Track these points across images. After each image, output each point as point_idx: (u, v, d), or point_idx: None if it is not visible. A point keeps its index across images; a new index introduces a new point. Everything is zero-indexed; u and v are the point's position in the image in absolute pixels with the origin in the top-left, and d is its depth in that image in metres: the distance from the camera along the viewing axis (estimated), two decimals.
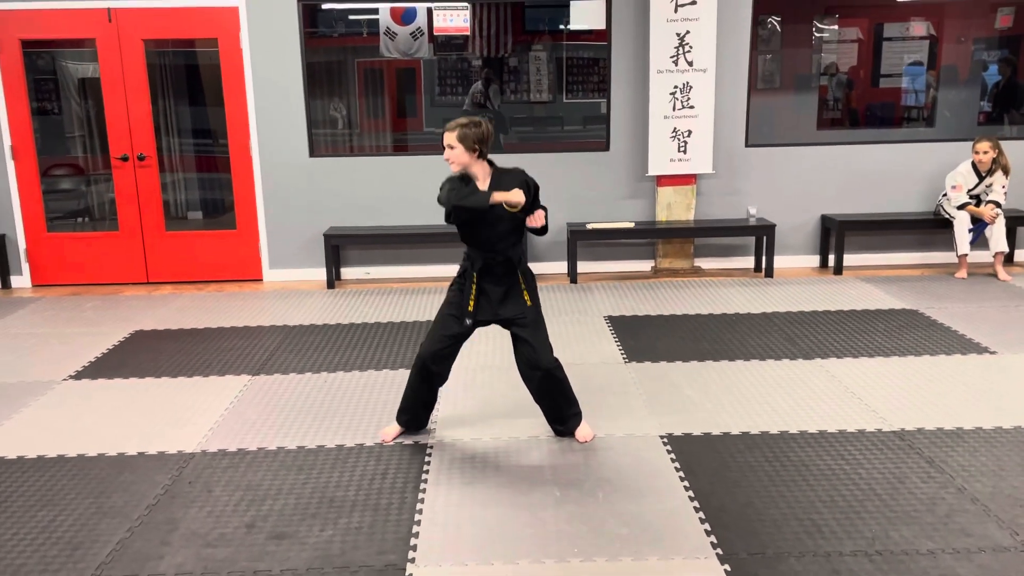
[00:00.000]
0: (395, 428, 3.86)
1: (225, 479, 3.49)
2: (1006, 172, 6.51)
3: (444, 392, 4.25)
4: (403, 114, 7.72)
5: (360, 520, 3.13)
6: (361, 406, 4.21)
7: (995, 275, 6.52)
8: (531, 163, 7.17)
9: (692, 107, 6.77)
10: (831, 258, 7.06)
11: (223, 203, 7.21)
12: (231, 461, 3.66)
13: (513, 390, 4.18)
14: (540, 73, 8.31)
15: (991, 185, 6.53)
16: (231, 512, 3.23)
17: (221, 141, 7.00)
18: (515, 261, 3.61)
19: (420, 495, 3.31)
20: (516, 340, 3.67)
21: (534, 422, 3.92)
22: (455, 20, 6.83)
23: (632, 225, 6.80)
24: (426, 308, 6.06)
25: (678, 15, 6.63)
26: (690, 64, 6.70)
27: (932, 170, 7.02)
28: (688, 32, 6.65)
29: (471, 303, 3.62)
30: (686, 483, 3.33)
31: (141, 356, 5.11)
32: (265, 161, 6.91)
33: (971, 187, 6.56)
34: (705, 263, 7.15)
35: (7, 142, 6.80)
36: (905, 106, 7.89)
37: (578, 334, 5.35)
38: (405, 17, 7.39)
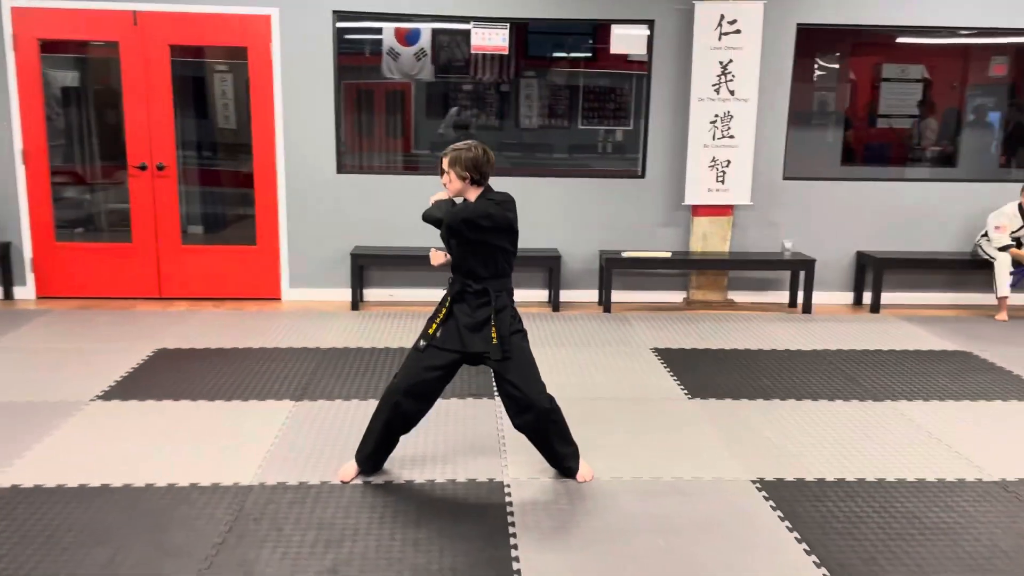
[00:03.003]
0: (353, 467, 3.57)
1: (293, 516, 3.21)
2: None
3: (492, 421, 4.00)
4: (423, 133, 7.57)
5: (453, 564, 2.87)
6: (420, 437, 3.94)
7: None
8: (564, 189, 7.08)
9: (732, 136, 6.64)
10: (865, 295, 6.95)
11: (243, 218, 6.91)
12: (295, 495, 3.38)
13: (578, 424, 3.94)
14: (556, 98, 8.23)
15: None
16: (308, 554, 2.95)
17: (245, 153, 6.72)
18: (491, 293, 3.36)
19: (511, 539, 3.05)
20: (498, 380, 3.42)
21: (610, 459, 3.69)
22: (493, 39, 6.65)
23: (669, 255, 6.63)
24: None
25: (722, 43, 6.51)
26: (732, 93, 6.58)
27: (964, 210, 6.95)
28: (731, 61, 6.53)
29: (434, 325, 3.41)
30: (796, 534, 3.12)
31: (170, 376, 4.80)
32: (291, 176, 6.64)
33: (1015, 229, 6.49)
34: (738, 296, 7.00)
35: (18, 145, 6.46)
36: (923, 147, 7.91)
37: (629, 367, 5.14)
38: (409, 38, 7.21)
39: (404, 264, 6.70)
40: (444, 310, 3.46)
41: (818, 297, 6.93)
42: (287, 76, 6.49)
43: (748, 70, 6.55)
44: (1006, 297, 6.48)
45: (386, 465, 3.62)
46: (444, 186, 3.44)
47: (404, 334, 5.79)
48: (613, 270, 6.59)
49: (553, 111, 9.48)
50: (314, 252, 6.75)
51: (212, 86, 6.95)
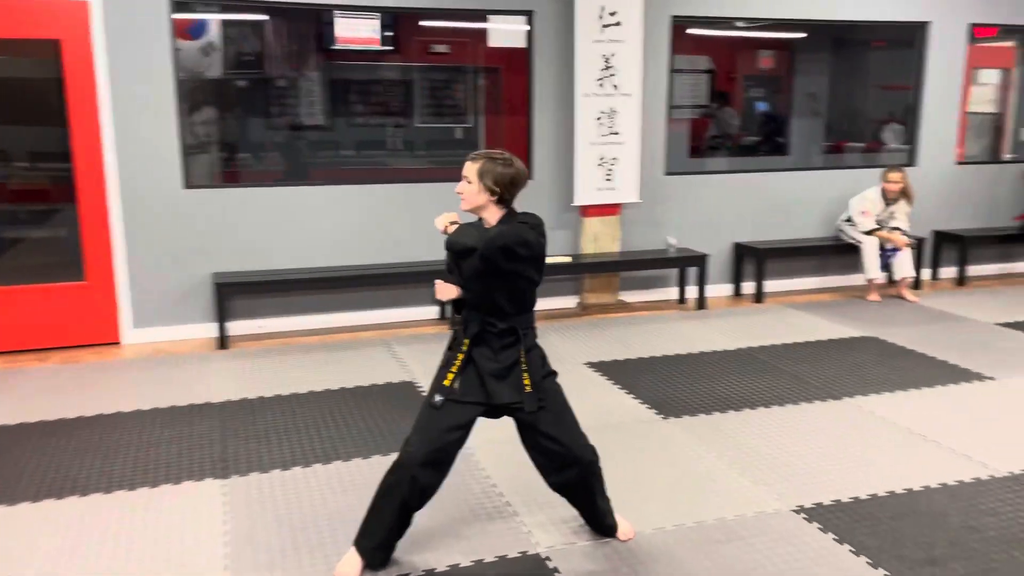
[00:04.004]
0: (356, 562, 2.86)
1: None
2: (909, 201, 6.84)
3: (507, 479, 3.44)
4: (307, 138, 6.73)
5: None
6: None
7: (902, 298, 6.80)
8: (440, 192, 6.45)
9: (618, 133, 6.40)
10: (743, 286, 7.02)
11: (65, 246, 5.67)
12: None
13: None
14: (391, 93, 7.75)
15: (894, 212, 6.82)
16: None
17: (64, 167, 5.49)
18: (520, 332, 2.86)
19: None
20: (528, 433, 2.88)
21: (635, 506, 3.26)
22: (362, 31, 5.92)
23: (569, 259, 6.28)
24: (368, 366, 5.10)
25: (604, 36, 6.24)
26: (616, 88, 6.33)
27: (826, 196, 7.22)
28: (614, 54, 6.28)
29: (450, 375, 2.82)
30: (884, 571, 2.86)
31: (32, 464, 3.72)
32: (128, 194, 5.52)
33: (878, 212, 6.80)
34: (629, 296, 6.80)
35: None
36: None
37: (576, 388, 4.69)
38: (193, 31, 6.37)
39: (276, 290, 5.82)
40: (460, 355, 2.86)
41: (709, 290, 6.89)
42: (115, 74, 5.37)
43: (631, 64, 6.33)
44: (876, 279, 6.79)
45: (410, 551, 2.95)
46: (459, 195, 2.84)
47: (305, 374, 4.98)
48: None
49: (388, 108, 8.86)
50: (163, 283, 5.68)
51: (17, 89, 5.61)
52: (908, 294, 6.80)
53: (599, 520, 3.06)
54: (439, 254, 6.19)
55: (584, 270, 6.40)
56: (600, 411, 4.35)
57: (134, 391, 4.68)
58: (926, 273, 7.52)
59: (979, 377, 4.84)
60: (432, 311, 6.32)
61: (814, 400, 4.50)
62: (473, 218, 2.89)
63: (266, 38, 7.04)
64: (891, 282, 6.94)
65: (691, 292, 6.78)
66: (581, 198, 6.42)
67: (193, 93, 6.17)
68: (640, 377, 4.88)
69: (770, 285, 7.07)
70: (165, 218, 5.61)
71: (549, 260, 6.15)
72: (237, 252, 5.80)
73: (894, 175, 6.70)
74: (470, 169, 2.82)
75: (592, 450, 2.94)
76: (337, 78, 7.36)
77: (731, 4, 6.68)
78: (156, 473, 3.65)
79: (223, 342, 5.59)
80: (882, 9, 7.07)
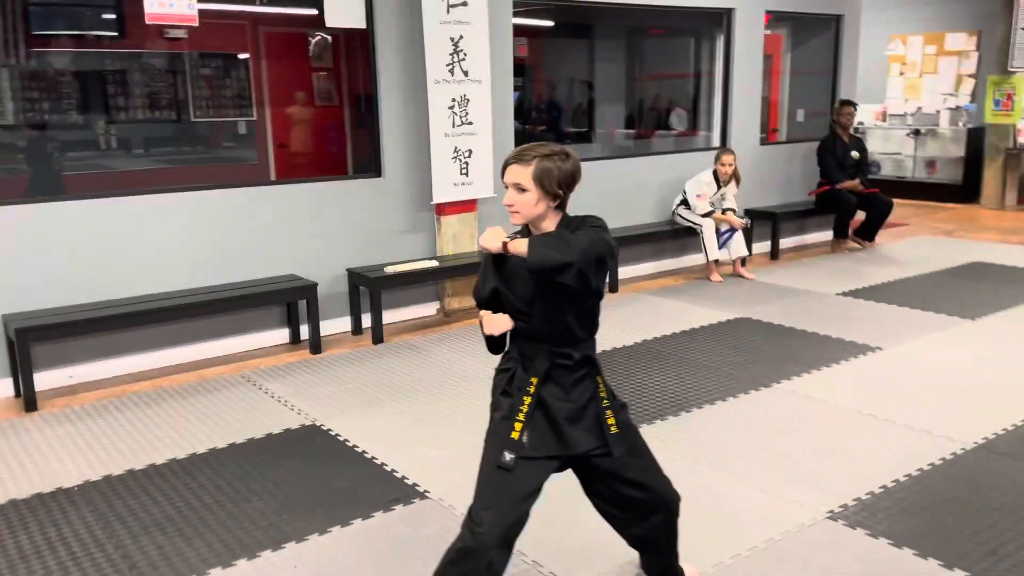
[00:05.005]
0: None
1: None
2: (738, 182, 7.06)
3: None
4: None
5: None
6: None
7: (740, 276, 7.02)
8: (289, 199, 5.54)
9: (471, 123, 5.92)
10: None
11: None
12: None
13: (572, 512, 3.04)
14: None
15: (724, 194, 7.01)
16: None
17: None
18: (596, 362, 2.41)
19: None
20: (606, 482, 2.38)
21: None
22: (177, 6, 4.89)
23: (436, 264, 5.70)
24: (245, 412, 4.22)
25: (451, 16, 5.72)
26: (466, 74, 5.85)
27: (659, 180, 7.28)
28: (462, 37, 5.78)
29: (518, 424, 2.29)
30: (962, 572, 2.74)
31: None
32: None
33: (713, 194, 6.95)
34: None
35: None
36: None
37: None
38: None
39: (88, 329, 4.64)
40: (527, 399, 2.30)
41: None
42: None
43: (479, 47, 5.87)
44: (717, 260, 6.95)
45: None
46: (509, 208, 2.27)
47: (168, 432, 3.99)
48: (380, 290, 5.44)
49: (155, 101, 7.86)
50: None
51: None
52: (744, 272, 7.04)
53: (671, 570, 2.64)
54: (279, 269, 5.39)
55: (452, 274, 5.86)
56: None
57: None
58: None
59: (869, 348, 5.04)
60: (282, 335, 5.46)
61: (749, 391, 4.40)
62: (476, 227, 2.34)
63: None
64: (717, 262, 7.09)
65: None
66: (439, 195, 5.86)
67: None
68: None
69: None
70: None
71: (413, 267, 5.60)
72: (29, 287, 4.57)
73: (727, 157, 6.88)
74: (520, 174, 2.26)
75: (675, 489, 2.51)
76: (91, 69, 6.32)
77: None
78: None
79: (30, 403, 4.37)
80: None
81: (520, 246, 2.21)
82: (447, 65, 5.74)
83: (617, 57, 9.64)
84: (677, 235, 7.15)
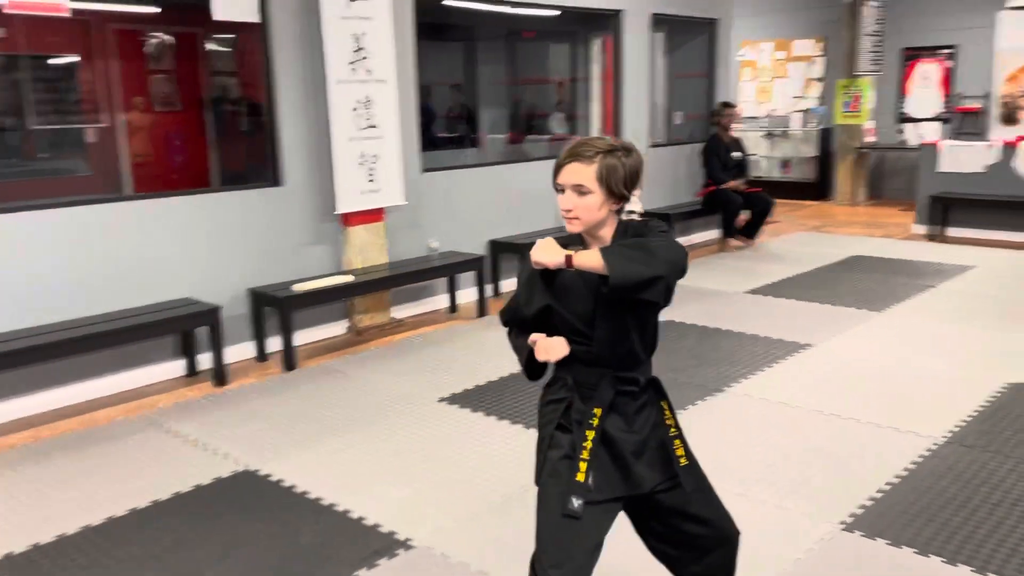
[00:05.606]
0: None
1: None
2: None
3: None
4: None
5: None
6: None
7: None
8: (155, 210, 4.83)
9: (376, 126, 5.50)
10: (503, 284, 6.61)
11: None
12: None
13: None
14: None
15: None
16: None
17: None
18: (660, 383, 2.10)
19: None
20: (667, 518, 2.10)
21: None
22: None
23: (351, 279, 5.22)
24: (163, 462, 3.63)
25: (352, 11, 5.28)
26: (369, 73, 5.42)
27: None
28: (364, 33, 5.35)
29: (583, 464, 1.97)
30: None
31: None
32: None
33: None
34: (400, 311, 5.94)
35: None
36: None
37: (465, 433, 3.87)
38: None
39: None
40: (591, 433, 1.99)
41: (464, 296, 6.31)
42: None
43: (383, 45, 5.45)
44: None
45: None
46: (566, 215, 1.97)
47: (73, 493, 3.35)
48: (291, 311, 4.91)
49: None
50: None
51: None
52: None
53: None
54: (168, 292, 4.74)
55: (367, 289, 5.39)
56: (510, 458, 3.59)
57: None
58: None
59: (800, 346, 5.05)
60: (176, 366, 4.82)
61: (704, 397, 4.26)
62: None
63: None
64: None
65: (463, 297, 6.18)
66: (345, 204, 5.39)
67: None
68: (507, 401, 4.19)
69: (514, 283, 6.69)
70: None
71: (325, 283, 5.11)
72: None
73: None
74: (582, 173, 1.96)
75: (734, 522, 2.27)
76: None
77: None
78: None
79: None
80: None
81: (590, 259, 1.89)
82: (350, 63, 5.29)
83: (497, 60, 9.43)
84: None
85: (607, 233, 2.02)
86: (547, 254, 1.96)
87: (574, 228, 2.01)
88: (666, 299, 1.92)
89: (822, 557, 2.79)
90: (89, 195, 5.10)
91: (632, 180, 2.01)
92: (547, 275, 2.05)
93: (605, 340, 2.00)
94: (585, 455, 1.99)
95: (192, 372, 4.83)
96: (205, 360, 4.81)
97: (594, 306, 1.99)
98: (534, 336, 2.05)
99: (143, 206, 4.67)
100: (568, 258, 1.93)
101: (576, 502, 1.95)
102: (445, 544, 2.89)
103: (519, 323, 2.16)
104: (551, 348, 2.02)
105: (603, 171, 1.96)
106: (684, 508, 2.11)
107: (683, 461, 2.09)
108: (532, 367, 2.12)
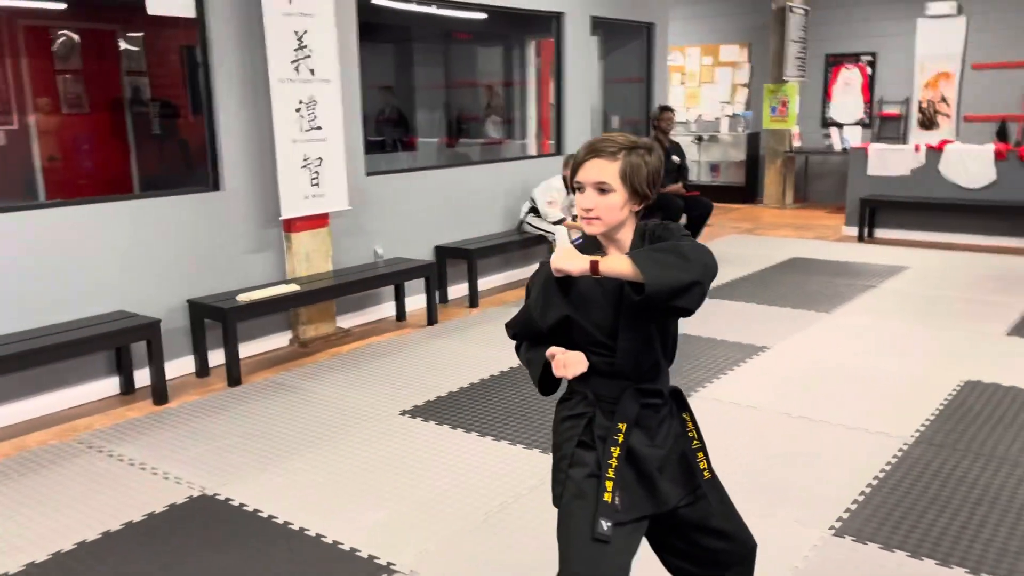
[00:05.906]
0: None
1: None
2: None
3: None
4: None
5: None
6: None
7: None
8: (84, 217, 4.46)
9: (320, 128, 5.27)
10: (450, 291, 6.44)
11: None
12: None
13: None
14: None
15: (573, 201, 6.84)
16: None
17: None
18: (682, 394, 2.02)
19: None
20: (687, 534, 1.99)
21: None
22: None
23: (297, 288, 4.97)
24: (113, 489, 3.34)
25: (293, 8, 5.04)
26: (313, 73, 5.19)
27: (506, 189, 6.99)
28: (306, 31, 5.13)
29: (610, 484, 1.85)
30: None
31: None
32: None
33: (562, 202, 6.76)
34: (345, 321, 5.71)
35: None
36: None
37: (435, 449, 3.70)
38: None
39: None
40: (616, 450, 1.87)
41: (412, 302, 6.11)
42: None
43: (326, 43, 5.24)
44: None
45: None
46: (585, 216, 1.88)
47: (12, 526, 3.04)
48: (235, 323, 4.63)
49: None
50: None
51: None
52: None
53: None
54: (99, 306, 4.40)
55: (314, 299, 5.15)
56: (483, 472, 3.44)
57: None
58: None
59: (758, 348, 5.04)
60: (110, 384, 4.50)
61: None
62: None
63: None
64: None
65: (410, 304, 5.99)
66: (288, 209, 5.14)
67: None
68: (471, 413, 4.04)
69: (463, 288, 6.54)
70: None
71: (269, 293, 4.85)
72: None
73: None
74: (605, 170, 1.84)
75: (752, 534, 2.17)
76: None
77: None
78: None
79: None
80: None
81: (619, 265, 1.76)
82: (292, 62, 5.06)
83: (431, 62, 9.25)
84: (526, 244, 6.87)
85: (626, 236, 1.91)
86: (571, 261, 1.82)
87: (594, 229, 1.88)
88: (698, 306, 1.81)
89: (819, 565, 2.74)
90: (12, 201, 4.72)
91: (655, 179, 1.89)
92: (563, 284, 1.92)
93: (629, 351, 1.88)
94: (611, 473, 1.87)
95: (128, 390, 4.51)
96: (141, 377, 4.50)
97: (615, 315, 1.87)
98: (552, 350, 1.91)
99: (71, 213, 4.34)
100: (594, 264, 1.79)
101: (605, 525, 1.82)
102: (431, 568, 2.73)
103: (531, 336, 2.02)
104: (570, 364, 1.88)
105: (627, 168, 1.84)
106: (706, 523, 2.01)
107: (707, 474, 1.99)
108: (546, 382, 1.99)
